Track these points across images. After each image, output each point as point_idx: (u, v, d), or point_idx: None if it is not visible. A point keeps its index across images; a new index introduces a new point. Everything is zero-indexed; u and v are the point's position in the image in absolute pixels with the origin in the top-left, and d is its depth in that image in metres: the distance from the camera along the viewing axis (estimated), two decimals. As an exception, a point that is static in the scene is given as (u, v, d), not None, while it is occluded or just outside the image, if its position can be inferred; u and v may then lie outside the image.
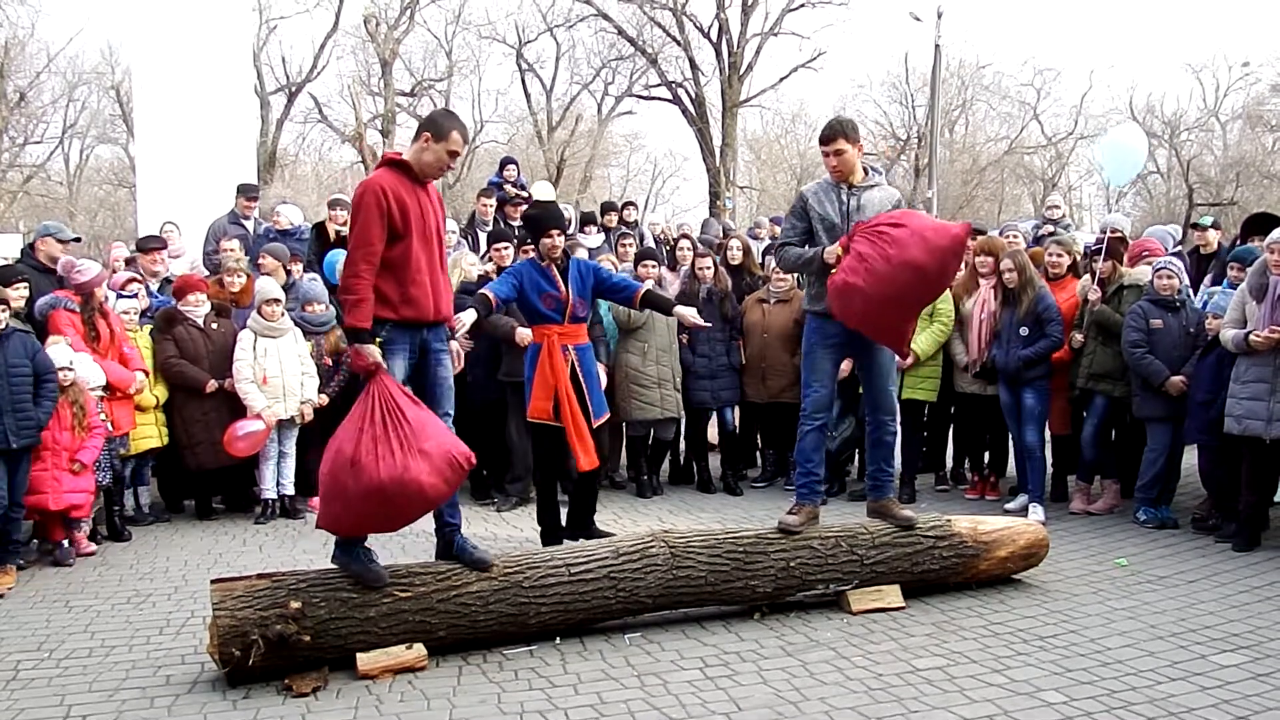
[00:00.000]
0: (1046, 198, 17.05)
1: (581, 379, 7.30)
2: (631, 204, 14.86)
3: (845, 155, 6.51)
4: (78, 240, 9.24)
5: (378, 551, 5.82)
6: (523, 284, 7.30)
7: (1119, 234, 9.05)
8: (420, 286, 5.70)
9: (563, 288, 7.27)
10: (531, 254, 7.66)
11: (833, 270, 6.34)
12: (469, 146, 41.58)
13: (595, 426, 7.37)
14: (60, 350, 7.72)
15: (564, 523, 7.65)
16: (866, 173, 6.65)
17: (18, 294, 8.00)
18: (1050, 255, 9.10)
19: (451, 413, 6.04)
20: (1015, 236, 9.90)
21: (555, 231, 7.37)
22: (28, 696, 5.31)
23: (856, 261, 6.17)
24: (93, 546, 8.06)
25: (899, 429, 7.07)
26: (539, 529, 7.66)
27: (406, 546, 7.77)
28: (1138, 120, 40.74)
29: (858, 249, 6.20)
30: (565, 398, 7.18)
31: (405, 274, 5.65)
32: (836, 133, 6.56)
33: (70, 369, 7.69)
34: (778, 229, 14.33)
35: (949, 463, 10.14)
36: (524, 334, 8.86)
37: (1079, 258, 9.51)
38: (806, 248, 6.64)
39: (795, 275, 9.24)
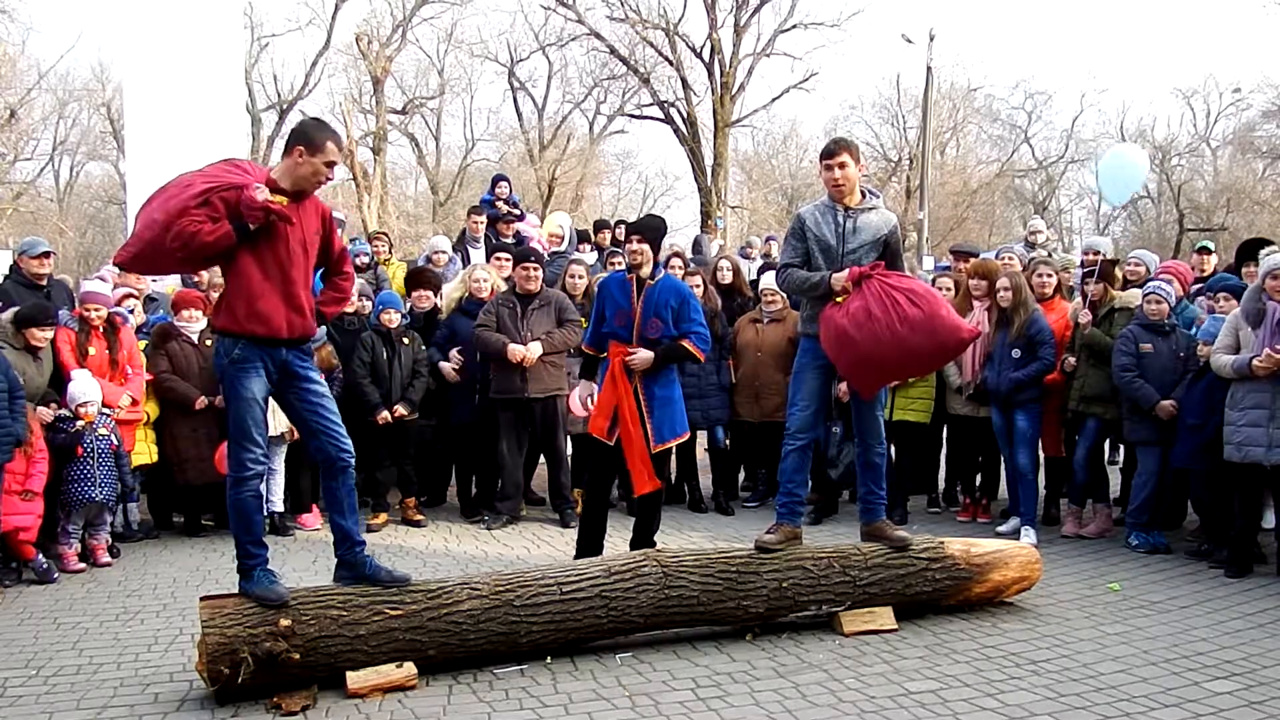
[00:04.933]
0: (1030, 222, 17.13)
1: (643, 402, 7.12)
2: (624, 223, 14.82)
3: (848, 170, 6.49)
4: (49, 254, 9.24)
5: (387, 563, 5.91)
6: (604, 305, 7.25)
7: (1102, 256, 9.07)
8: (269, 301, 5.47)
9: (635, 305, 7.14)
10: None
11: (836, 298, 6.35)
12: (461, 166, 41.64)
13: (655, 452, 7.18)
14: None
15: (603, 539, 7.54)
16: (864, 196, 6.64)
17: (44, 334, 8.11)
18: (1037, 276, 9.10)
19: (339, 439, 5.78)
20: (1011, 259, 9.91)
21: (635, 237, 7.21)
22: (15, 714, 5.26)
23: (864, 317, 6.20)
24: (82, 564, 8.04)
25: (886, 452, 7.03)
26: (577, 540, 7.56)
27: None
28: (1126, 143, 40.89)
29: (870, 306, 6.20)
30: (625, 420, 7.06)
31: (251, 288, 5.45)
32: (842, 147, 6.56)
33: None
34: (773, 247, 14.37)
35: (941, 484, 10.13)
36: (515, 350, 8.87)
37: (1067, 280, 9.54)
38: (811, 271, 6.61)
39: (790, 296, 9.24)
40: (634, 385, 7.12)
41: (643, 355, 7.08)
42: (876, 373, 6.45)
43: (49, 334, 8.13)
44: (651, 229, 7.37)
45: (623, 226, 9.07)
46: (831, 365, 6.59)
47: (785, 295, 9.44)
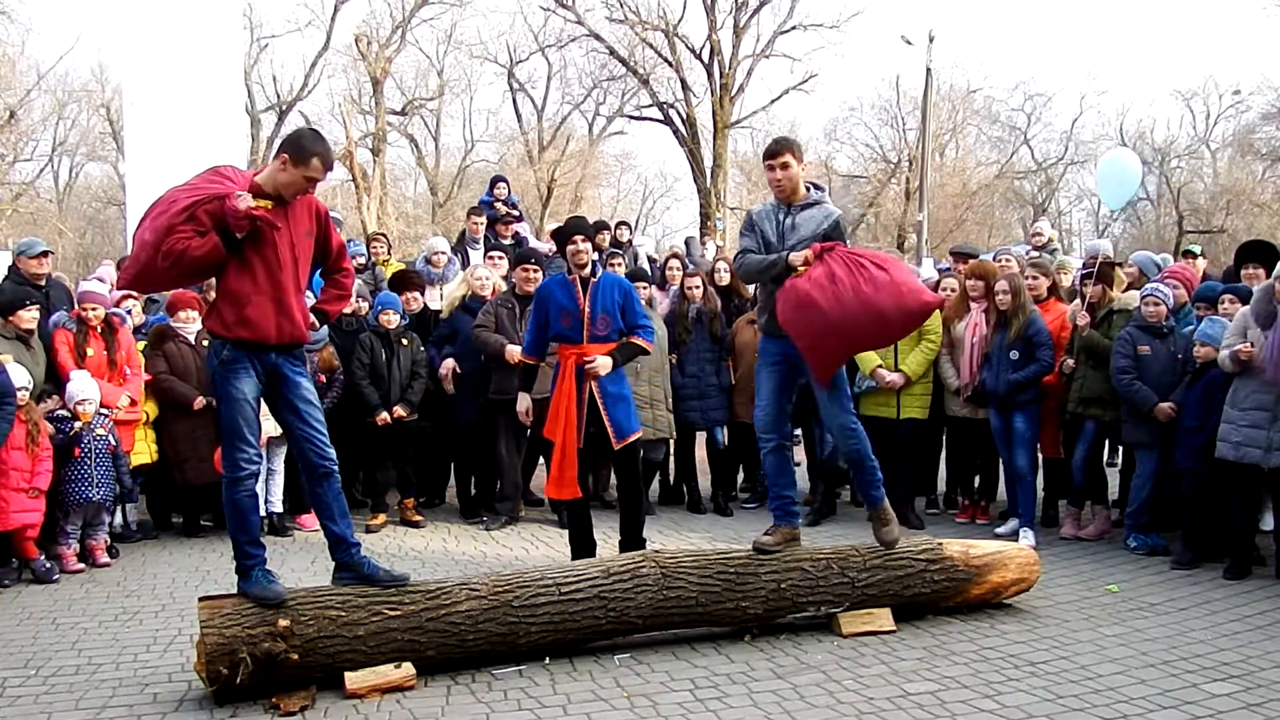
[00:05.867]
0: (1034, 224, 17.10)
1: (600, 401, 7.12)
2: (625, 224, 14.80)
3: (791, 170, 6.49)
4: (47, 254, 9.22)
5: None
6: (548, 309, 7.24)
7: (1108, 259, 9.07)
8: (257, 308, 5.45)
9: (582, 303, 7.14)
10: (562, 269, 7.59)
11: (796, 271, 6.30)
12: (460, 167, 41.62)
13: (619, 448, 7.20)
14: (18, 371, 7.66)
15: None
16: (808, 191, 6.62)
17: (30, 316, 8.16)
18: (1027, 279, 9.08)
19: (321, 446, 5.72)
20: (1008, 260, 9.90)
21: (579, 238, 7.21)
22: (14, 714, 5.27)
23: (828, 281, 6.10)
24: (81, 564, 8.05)
25: (861, 441, 6.69)
26: (569, 543, 7.59)
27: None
28: (1128, 146, 40.88)
29: (834, 269, 6.12)
30: (564, 420, 7.06)
31: (239, 293, 5.44)
32: (784, 147, 6.56)
33: (27, 388, 7.67)
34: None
35: (941, 487, 10.13)
36: (513, 351, 8.86)
37: (1064, 280, 9.52)
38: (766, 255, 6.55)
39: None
40: (587, 387, 7.13)
41: (602, 360, 7.09)
42: (837, 342, 6.28)
43: (34, 313, 8.18)
44: (589, 229, 7.50)
45: (552, 234, 9.25)
46: (787, 361, 6.56)
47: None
